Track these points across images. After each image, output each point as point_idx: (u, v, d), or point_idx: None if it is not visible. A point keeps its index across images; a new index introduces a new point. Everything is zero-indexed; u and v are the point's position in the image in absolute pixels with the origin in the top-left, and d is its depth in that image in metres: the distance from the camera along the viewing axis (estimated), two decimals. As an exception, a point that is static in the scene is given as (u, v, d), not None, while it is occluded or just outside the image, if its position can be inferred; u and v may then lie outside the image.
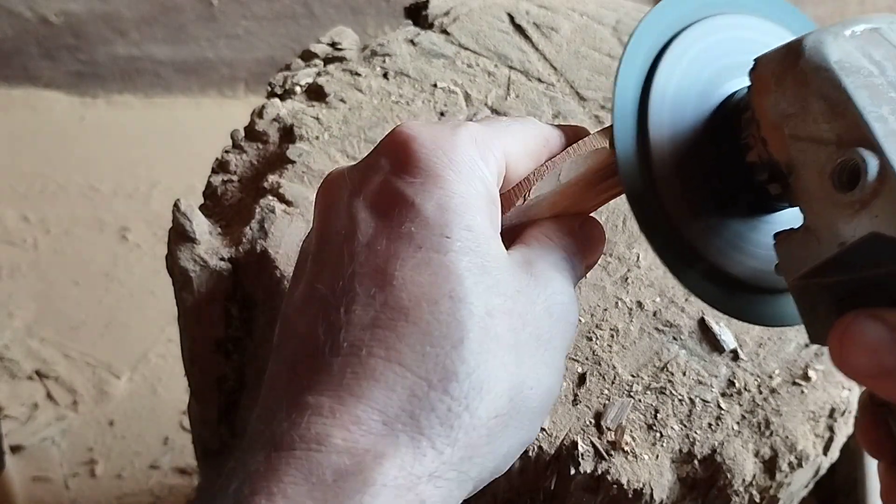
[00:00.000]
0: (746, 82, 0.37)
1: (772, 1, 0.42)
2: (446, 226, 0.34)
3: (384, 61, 0.68)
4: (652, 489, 0.50)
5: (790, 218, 0.37)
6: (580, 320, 0.55)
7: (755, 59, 0.36)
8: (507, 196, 0.39)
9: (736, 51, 0.39)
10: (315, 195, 0.39)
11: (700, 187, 0.39)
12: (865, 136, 0.32)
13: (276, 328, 0.37)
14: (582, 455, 0.50)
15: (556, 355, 0.36)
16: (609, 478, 0.49)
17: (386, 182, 0.36)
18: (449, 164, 0.36)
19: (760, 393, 0.53)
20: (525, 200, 0.39)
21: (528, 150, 0.39)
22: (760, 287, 0.40)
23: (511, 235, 0.39)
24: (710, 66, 0.40)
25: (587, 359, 0.53)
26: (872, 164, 0.31)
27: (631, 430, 0.51)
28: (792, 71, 0.34)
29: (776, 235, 0.36)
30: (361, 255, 0.35)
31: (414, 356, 0.33)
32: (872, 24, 0.35)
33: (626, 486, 0.49)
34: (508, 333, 0.34)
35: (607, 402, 0.52)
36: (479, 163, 0.37)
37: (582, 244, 0.40)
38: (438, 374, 0.33)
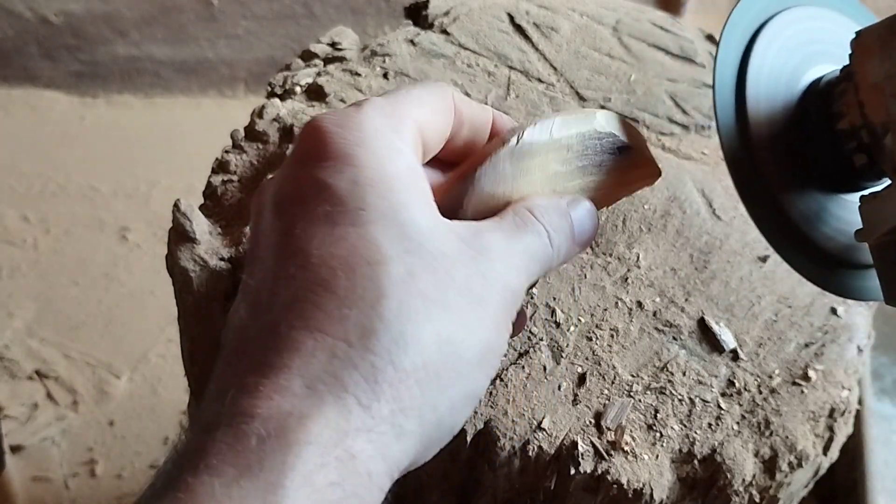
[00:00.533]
0: (831, 69, 0.41)
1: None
2: (360, 199, 0.35)
3: (384, 61, 0.68)
4: (652, 489, 0.50)
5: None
6: (580, 321, 0.55)
7: (857, 31, 0.39)
8: (465, 169, 0.40)
9: (818, 40, 0.43)
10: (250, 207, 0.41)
11: (793, 162, 0.42)
12: None
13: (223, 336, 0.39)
14: (582, 455, 0.50)
15: (490, 312, 0.37)
16: (609, 478, 0.49)
17: (300, 173, 0.37)
18: (357, 141, 0.37)
19: (760, 393, 0.53)
20: (471, 180, 0.40)
21: (437, 113, 0.40)
22: (849, 262, 0.42)
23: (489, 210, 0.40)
24: (798, 52, 0.43)
25: (587, 359, 0.53)
26: None
27: (631, 430, 0.51)
28: None
29: (862, 197, 0.39)
30: (283, 244, 0.36)
31: (331, 321, 0.34)
32: None
33: (625, 486, 0.49)
34: (433, 289, 0.35)
35: (607, 402, 0.52)
36: (389, 135, 0.37)
37: (566, 223, 0.41)
38: (357, 332, 0.33)
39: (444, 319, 0.35)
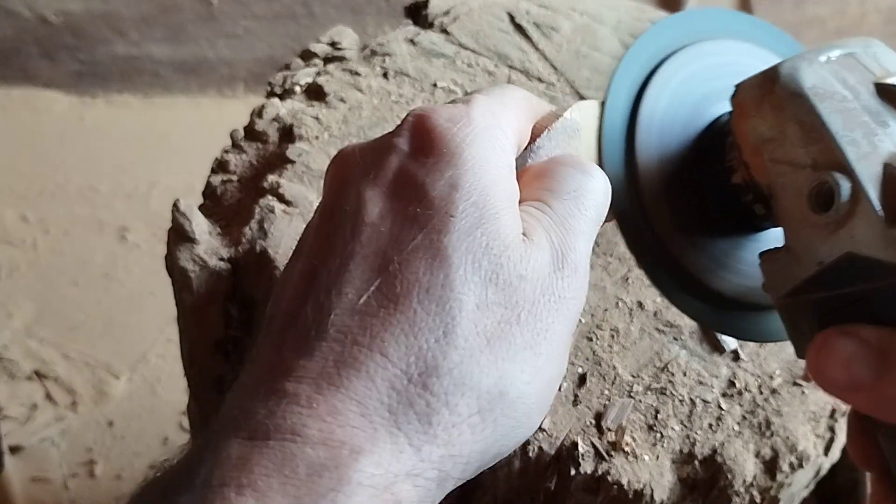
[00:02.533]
0: (729, 108, 0.38)
1: (760, 25, 0.43)
2: (452, 203, 0.34)
3: (384, 61, 0.68)
4: (652, 490, 0.50)
5: (777, 236, 0.38)
6: (580, 321, 0.55)
7: (736, 86, 0.38)
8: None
9: (723, 75, 0.40)
10: (326, 170, 0.38)
11: (688, 208, 0.40)
12: (838, 159, 0.33)
13: (270, 300, 0.36)
14: (582, 455, 0.49)
15: (556, 344, 0.35)
16: (609, 478, 0.49)
17: (399, 163, 0.35)
18: (464, 140, 0.35)
19: (761, 393, 0.53)
20: (530, 151, 0.39)
21: (526, 115, 0.39)
22: (750, 304, 0.41)
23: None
24: (697, 90, 0.41)
25: (587, 359, 0.53)
26: (845, 186, 0.33)
27: (631, 431, 0.51)
28: (769, 97, 0.36)
29: (761, 255, 0.37)
30: (363, 236, 0.34)
31: (397, 347, 0.32)
32: (848, 49, 0.36)
33: (626, 487, 0.49)
34: (500, 326, 0.33)
35: (608, 402, 0.52)
36: (496, 133, 0.36)
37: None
38: (419, 367, 0.32)
39: (506, 361, 0.33)
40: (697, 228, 0.40)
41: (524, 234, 0.35)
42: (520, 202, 0.37)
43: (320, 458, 0.30)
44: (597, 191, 0.37)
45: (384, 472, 0.31)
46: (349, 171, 0.37)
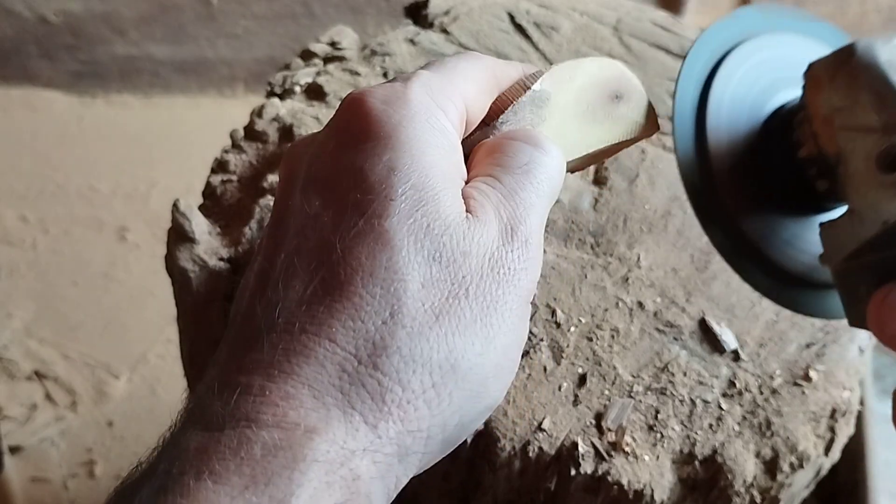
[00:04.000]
0: (795, 94, 0.41)
1: (814, 21, 0.46)
2: (391, 187, 0.34)
3: (384, 61, 0.68)
4: (653, 490, 0.50)
5: (837, 215, 0.40)
6: (580, 321, 0.55)
7: (809, 63, 0.40)
8: (487, 116, 0.39)
9: (785, 66, 0.43)
10: (279, 169, 0.39)
11: (755, 186, 0.42)
12: None
13: (233, 306, 0.37)
14: (582, 456, 0.49)
15: (507, 314, 0.35)
16: (609, 479, 0.49)
17: (337, 151, 0.36)
18: (399, 122, 0.35)
19: (761, 393, 0.53)
20: (492, 127, 0.39)
21: (482, 88, 0.39)
22: (811, 282, 0.43)
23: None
24: (763, 78, 0.43)
25: (587, 359, 0.53)
26: None
27: (631, 431, 0.51)
28: (844, 69, 0.38)
29: (822, 224, 0.39)
30: (307, 229, 0.35)
31: (344, 332, 0.33)
32: None
33: (626, 487, 0.49)
34: (447, 302, 0.34)
35: (608, 402, 0.52)
36: (436, 113, 0.36)
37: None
38: (367, 349, 0.33)
39: (456, 335, 0.34)
40: (764, 206, 0.42)
41: (470, 212, 0.35)
42: (472, 178, 0.37)
43: (274, 439, 0.31)
44: (548, 164, 0.38)
45: (339, 449, 0.31)
46: (294, 166, 0.37)
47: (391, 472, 0.33)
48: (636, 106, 0.43)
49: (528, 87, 0.40)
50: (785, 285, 0.43)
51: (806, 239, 0.43)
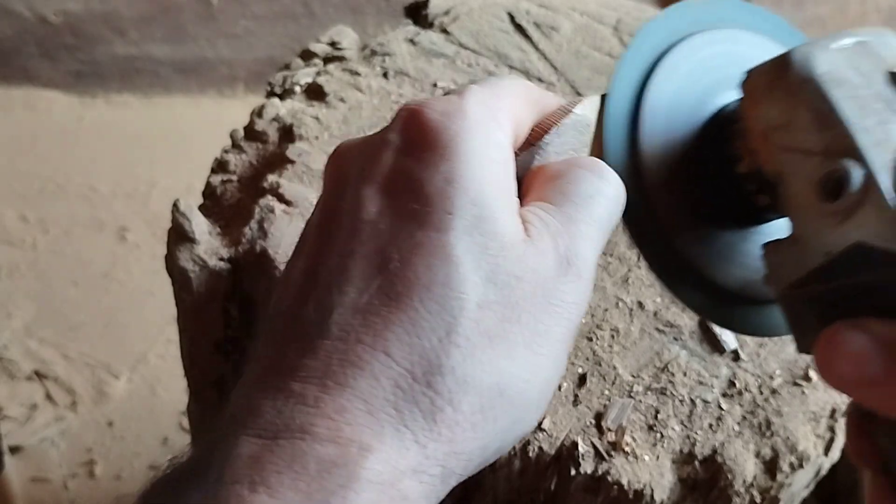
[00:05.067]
0: (737, 95, 0.38)
1: (765, 16, 0.42)
2: (449, 200, 0.33)
3: (384, 61, 0.68)
4: (652, 490, 0.50)
5: (779, 229, 0.37)
6: (580, 321, 0.55)
7: (746, 71, 0.37)
8: (529, 138, 0.38)
9: (729, 64, 0.39)
10: (324, 167, 0.38)
11: (691, 199, 0.39)
12: (851, 146, 0.32)
13: (272, 299, 0.36)
14: (582, 456, 0.49)
15: (555, 345, 0.34)
16: (609, 478, 0.49)
17: (394, 160, 0.35)
18: (458, 133, 0.35)
19: (761, 393, 0.53)
20: (538, 147, 0.38)
21: (527, 108, 0.38)
22: (751, 297, 0.40)
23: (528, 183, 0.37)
24: (704, 78, 0.40)
25: (587, 359, 0.53)
26: (857, 174, 0.32)
27: (631, 431, 0.51)
28: (781, 83, 0.35)
29: (764, 246, 0.36)
30: (363, 234, 0.34)
31: (400, 346, 0.32)
32: (861, 38, 0.35)
33: (626, 487, 0.49)
34: (501, 325, 0.33)
35: (608, 402, 0.52)
36: (491, 126, 0.36)
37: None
38: (423, 366, 0.32)
39: (506, 360, 0.33)
40: (700, 219, 0.40)
41: (528, 235, 0.35)
42: (532, 201, 0.36)
43: (329, 455, 0.30)
44: (610, 197, 0.37)
45: (391, 469, 0.31)
46: (346, 168, 0.37)
47: (434, 493, 0.32)
48: None
49: (570, 111, 0.39)
50: (723, 303, 0.40)
51: (745, 252, 0.40)
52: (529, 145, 0.39)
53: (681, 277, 0.39)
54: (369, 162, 0.36)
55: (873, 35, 0.35)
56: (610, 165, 0.38)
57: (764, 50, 0.39)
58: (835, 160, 0.33)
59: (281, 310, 0.35)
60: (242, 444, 0.31)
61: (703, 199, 0.39)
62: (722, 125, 0.39)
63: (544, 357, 0.34)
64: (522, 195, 0.37)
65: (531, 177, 0.38)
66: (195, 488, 0.30)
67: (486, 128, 0.35)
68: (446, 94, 0.37)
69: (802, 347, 0.36)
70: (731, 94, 0.39)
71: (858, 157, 0.32)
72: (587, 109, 0.39)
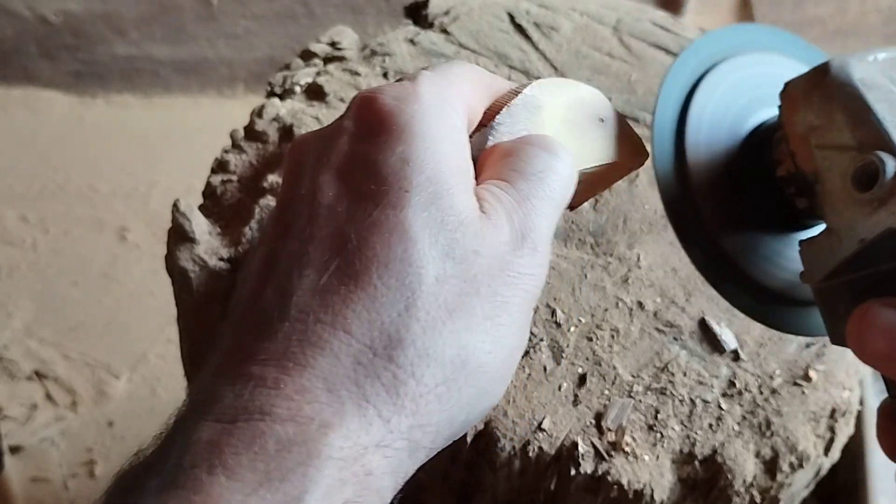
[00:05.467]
0: (774, 113, 0.41)
1: (794, 41, 0.46)
2: (405, 178, 0.34)
3: (384, 61, 0.68)
4: (652, 490, 0.50)
5: (816, 232, 0.40)
6: (580, 321, 0.55)
7: (785, 83, 0.40)
8: (482, 121, 0.40)
9: (764, 84, 0.43)
10: (283, 159, 0.39)
11: (735, 205, 0.42)
12: (884, 140, 0.35)
13: (235, 289, 0.37)
14: (582, 456, 0.49)
15: (515, 316, 0.35)
16: (609, 478, 0.49)
17: (349, 145, 0.36)
18: (412, 116, 0.35)
19: (761, 393, 0.53)
20: (490, 128, 0.39)
21: (479, 92, 0.39)
22: (793, 299, 0.43)
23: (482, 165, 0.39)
24: (742, 97, 0.43)
25: (587, 359, 0.53)
26: (890, 164, 0.35)
27: (631, 431, 0.51)
28: (819, 88, 0.38)
29: (801, 242, 0.39)
30: (320, 218, 0.34)
31: (360, 322, 0.32)
32: (891, 54, 0.39)
33: (626, 487, 0.49)
34: (460, 298, 0.34)
35: (608, 402, 0.52)
36: (445, 109, 0.36)
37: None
38: (383, 341, 0.32)
39: (467, 332, 0.34)
40: (744, 224, 0.42)
41: (483, 212, 0.36)
42: (486, 180, 0.37)
43: (289, 434, 0.30)
44: (562, 172, 0.38)
45: (353, 444, 0.31)
46: (303, 157, 0.37)
47: (401, 466, 0.33)
48: (619, 133, 0.43)
49: (520, 92, 0.40)
50: (766, 303, 0.42)
51: (786, 256, 0.42)
52: (482, 126, 0.40)
53: (725, 276, 0.42)
54: (325, 149, 0.36)
55: None
56: (658, 173, 0.41)
57: (793, 70, 0.42)
58: (868, 153, 0.36)
59: (241, 297, 0.35)
60: (201, 430, 0.31)
61: (746, 204, 0.42)
62: (762, 137, 0.42)
63: (505, 328, 0.35)
64: (477, 174, 0.38)
65: (485, 156, 0.39)
66: (154, 475, 0.30)
67: (440, 111, 0.36)
68: (399, 79, 0.38)
69: (836, 339, 0.38)
70: (768, 112, 0.43)
71: (891, 148, 0.35)
72: (537, 91, 0.41)
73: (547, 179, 0.37)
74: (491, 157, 0.39)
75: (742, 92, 0.43)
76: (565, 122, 0.42)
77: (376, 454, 0.32)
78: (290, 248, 0.34)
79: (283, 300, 0.33)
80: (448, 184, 0.35)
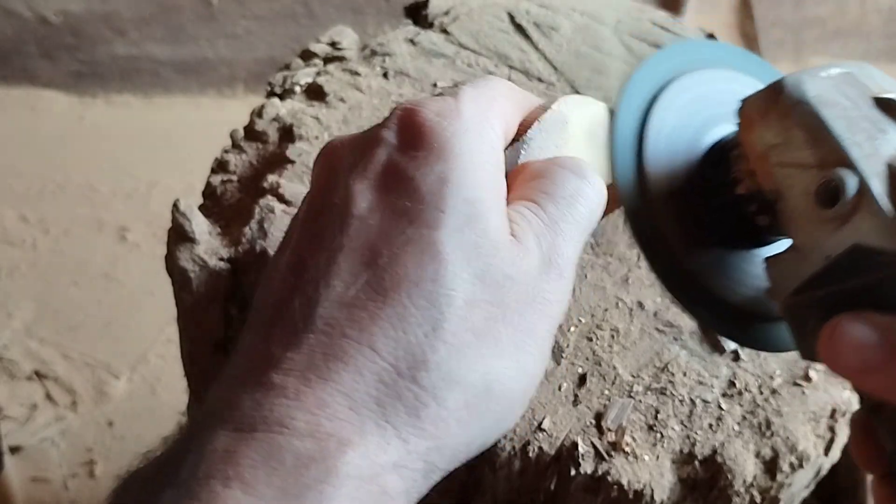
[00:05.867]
0: (732, 129, 0.41)
1: (749, 58, 0.46)
2: (442, 199, 0.34)
3: (384, 61, 0.68)
4: (652, 490, 0.50)
5: (780, 248, 0.40)
6: (580, 321, 0.55)
7: (741, 100, 0.40)
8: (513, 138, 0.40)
9: (720, 101, 0.42)
10: (314, 161, 0.38)
11: (696, 222, 0.42)
12: (843, 157, 0.35)
13: (257, 292, 0.36)
14: (582, 456, 0.49)
15: (540, 343, 0.35)
16: (609, 479, 0.49)
17: (387, 156, 0.35)
18: (454, 135, 0.35)
19: (761, 393, 0.53)
20: (522, 143, 0.39)
21: (515, 107, 0.39)
22: (758, 314, 0.42)
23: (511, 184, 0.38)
24: (701, 113, 0.43)
25: (587, 359, 0.53)
26: (851, 181, 0.34)
27: (631, 431, 0.51)
28: (775, 106, 0.38)
29: (766, 260, 0.39)
30: (352, 229, 0.34)
31: (386, 340, 0.32)
32: (845, 69, 0.38)
33: (626, 487, 0.49)
34: (487, 323, 0.33)
35: (608, 402, 0.52)
36: (485, 127, 0.36)
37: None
38: (408, 361, 0.32)
39: (493, 357, 0.33)
40: (706, 240, 0.42)
41: (513, 234, 0.35)
42: (515, 201, 0.37)
43: (307, 449, 0.30)
44: (591, 197, 0.38)
45: (371, 464, 0.31)
46: (337, 163, 0.36)
47: (415, 487, 0.33)
48: None
49: (549, 108, 0.40)
50: (732, 319, 0.42)
51: (750, 273, 0.42)
52: (514, 142, 0.39)
53: (689, 294, 0.41)
54: (362, 158, 0.36)
55: (856, 66, 0.39)
56: (620, 190, 0.40)
57: (749, 87, 0.41)
58: (829, 170, 0.35)
59: (266, 303, 0.35)
60: (218, 438, 0.30)
61: (707, 222, 0.42)
62: (720, 152, 0.42)
63: (530, 355, 0.35)
64: (508, 190, 0.37)
65: (515, 174, 0.38)
66: (168, 483, 0.30)
67: (480, 129, 0.36)
68: (440, 94, 0.38)
69: (806, 354, 0.38)
70: (726, 128, 0.42)
71: (851, 166, 0.35)
72: (563, 106, 0.41)
73: (576, 204, 0.37)
74: (521, 176, 0.38)
75: (700, 108, 0.43)
76: (589, 138, 0.42)
77: (393, 474, 0.31)
78: (319, 257, 0.34)
79: (310, 310, 0.33)
80: (484, 206, 0.34)
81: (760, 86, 0.40)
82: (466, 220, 0.34)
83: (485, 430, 0.34)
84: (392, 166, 0.35)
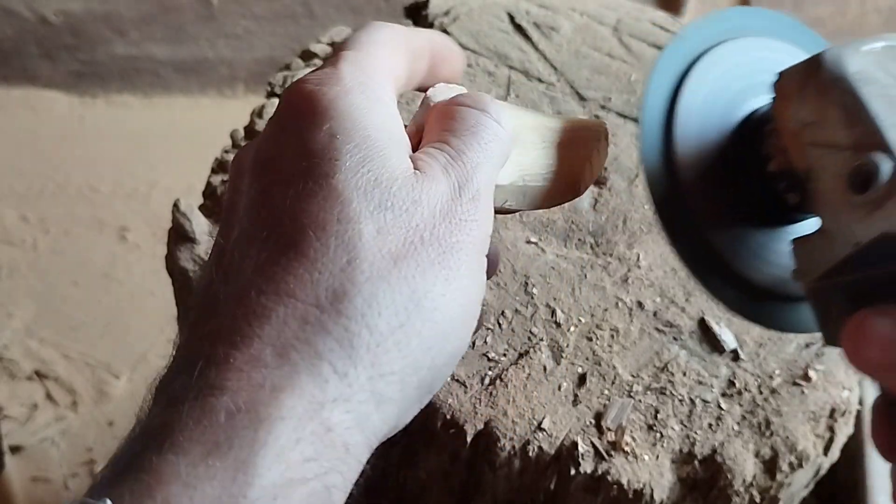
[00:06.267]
0: (768, 100, 0.39)
1: (790, 24, 0.44)
2: (334, 149, 0.35)
3: (384, 61, 0.68)
4: (652, 489, 0.50)
5: (808, 229, 0.39)
6: (580, 321, 0.55)
7: (778, 73, 0.38)
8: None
9: (758, 70, 0.41)
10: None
11: (724, 198, 0.41)
12: (880, 141, 0.34)
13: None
14: (582, 455, 0.49)
15: (464, 258, 0.36)
16: (609, 478, 0.49)
17: (281, 134, 0.36)
18: (337, 95, 0.36)
19: (761, 393, 0.53)
20: (425, 97, 0.40)
21: (401, 52, 0.40)
22: (781, 295, 0.41)
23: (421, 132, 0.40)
24: (734, 84, 0.42)
25: (587, 359, 0.53)
26: (886, 167, 0.33)
27: (631, 431, 0.51)
28: (812, 82, 0.36)
29: (793, 240, 0.38)
30: (258, 204, 0.35)
31: (302, 286, 0.33)
32: (889, 42, 0.37)
33: (626, 487, 0.49)
34: (403, 246, 0.34)
35: (607, 402, 0.52)
36: (370, 85, 0.37)
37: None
38: (329, 296, 0.33)
39: (418, 276, 0.34)
40: (733, 218, 0.41)
41: (418, 169, 0.36)
42: (424, 145, 0.38)
43: (238, 403, 0.30)
44: (494, 125, 0.39)
45: (308, 403, 0.31)
46: (240, 162, 0.38)
47: (368, 420, 0.33)
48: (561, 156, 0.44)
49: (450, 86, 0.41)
50: (754, 299, 0.41)
51: (776, 251, 0.41)
52: (408, 85, 0.41)
53: (712, 272, 0.40)
54: (259, 146, 0.37)
55: None
56: (645, 164, 0.40)
57: (792, 56, 0.40)
58: (864, 154, 0.34)
59: (196, 302, 0.36)
60: (157, 415, 0.31)
61: (735, 198, 0.41)
62: (753, 127, 0.41)
63: (455, 270, 0.35)
64: (420, 141, 0.39)
65: (423, 124, 0.40)
66: (110, 469, 0.31)
67: (364, 87, 0.37)
68: (321, 65, 0.39)
69: (829, 339, 0.37)
70: (761, 100, 0.41)
71: (888, 150, 0.33)
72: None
73: (479, 134, 0.38)
74: (428, 123, 0.40)
75: (737, 77, 0.42)
76: (531, 121, 0.43)
77: (335, 409, 0.32)
78: (231, 236, 0.35)
79: (227, 282, 0.34)
80: (378, 147, 0.35)
81: (802, 55, 0.39)
82: (361, 161, 0.35)
83: (428, 348, 0.34)
84: (285, 139, 0.36)
